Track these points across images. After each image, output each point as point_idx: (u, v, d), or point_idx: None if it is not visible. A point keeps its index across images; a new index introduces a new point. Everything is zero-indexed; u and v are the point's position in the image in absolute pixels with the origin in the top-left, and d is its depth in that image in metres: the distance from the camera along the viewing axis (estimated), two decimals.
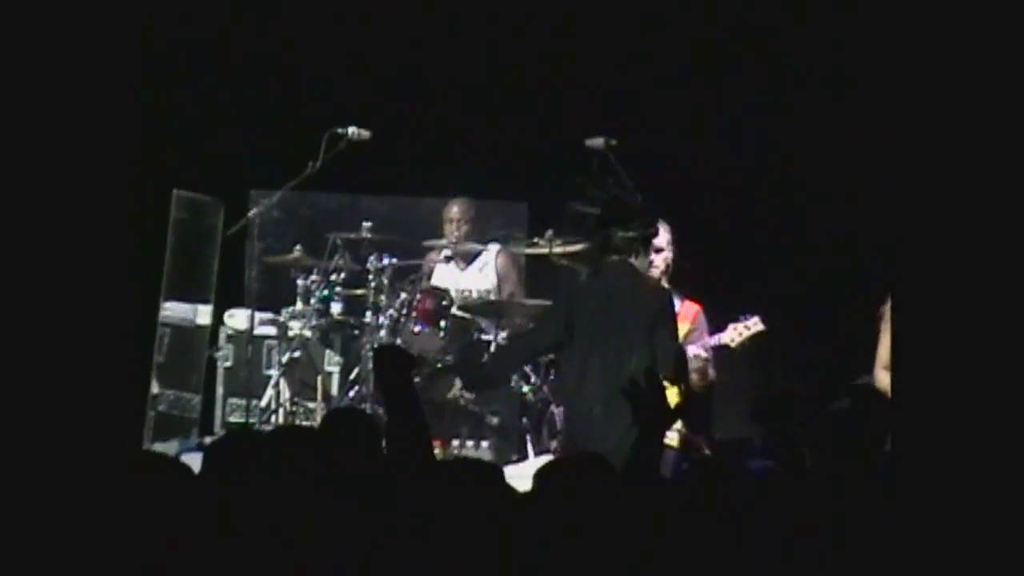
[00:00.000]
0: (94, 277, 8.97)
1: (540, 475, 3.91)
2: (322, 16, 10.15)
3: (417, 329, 9.40)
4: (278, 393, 9.70)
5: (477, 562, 3.61)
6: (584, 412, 7.16)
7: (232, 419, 9.91)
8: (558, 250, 9.46)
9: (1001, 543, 3.94)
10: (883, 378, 7.21)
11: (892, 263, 4.27)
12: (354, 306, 9.84)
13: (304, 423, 9.58)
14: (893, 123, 4.33)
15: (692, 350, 7.95)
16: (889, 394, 5.06)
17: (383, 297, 9.66)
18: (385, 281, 9.65)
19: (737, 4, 10.00)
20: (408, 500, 3.62)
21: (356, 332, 9.83)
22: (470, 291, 9.81)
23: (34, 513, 3.87)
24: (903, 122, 4.25)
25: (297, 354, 9.79)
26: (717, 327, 8.12)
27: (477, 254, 9.95)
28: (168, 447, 9.16)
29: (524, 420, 9.24)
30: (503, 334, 9.45)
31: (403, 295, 9.61)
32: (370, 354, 9.46)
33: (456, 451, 9.17)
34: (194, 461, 4.24)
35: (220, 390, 10.01)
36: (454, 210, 9.93)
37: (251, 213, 9.60)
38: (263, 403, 9.69)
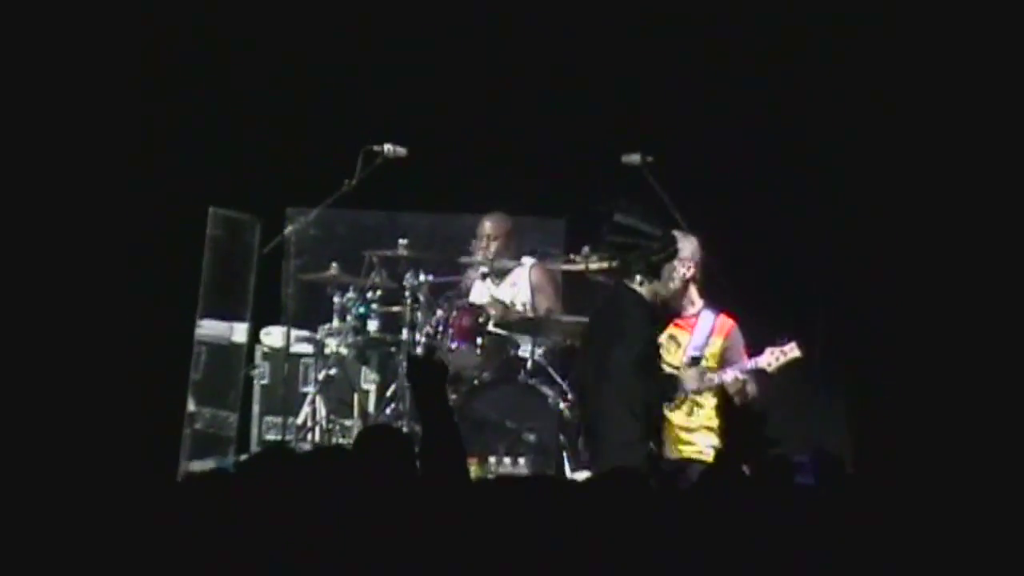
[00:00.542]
0: (131, 295, 9.01)
1: (578, 490, 3.89)
2: (358, 33, 10.15)
3: (454, 346, 9.38)
4: (314, 411, 9.69)
5: None
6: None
7: (268, 437, 9.91)
8: (594, 266, 9.43)
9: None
10: None
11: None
12: (390, 323, 9.83)
13: (340, 441, 9.58)
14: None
15: (731, 373, 8.00)
16: None
17: (419, 314, 9.65)
18: (421, 298, 9.64)
19: (775, 20, 9.95)
20: (441, 517, 3.61)
21: (393, 349, 9.82)
22: (503, 303, 9.76)
23: (71, 527, 3.87)
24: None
25: (333, 372, 9.79)
26: (755, 350, 8.13)
27: (510, 269, 9.93)
28: (204, 465, 9.16)
29: (561, 437, 9.20)
30: (540, 351, 9.43)
31: (440, 312, 9.60)
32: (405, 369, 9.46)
33: (493, 468, 9.14)
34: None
35: (256, 408, 10.00)
36: (487, 226, 9.91)
37: (287, 231, 9.61)
38: (299, 421, 9.68)
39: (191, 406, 9.47)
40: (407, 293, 9.69)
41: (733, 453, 4.44)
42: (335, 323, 9.78)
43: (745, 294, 8.63)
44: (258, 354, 10.02)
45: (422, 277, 9.69)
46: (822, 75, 9.78)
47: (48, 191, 8.60)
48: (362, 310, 9.78)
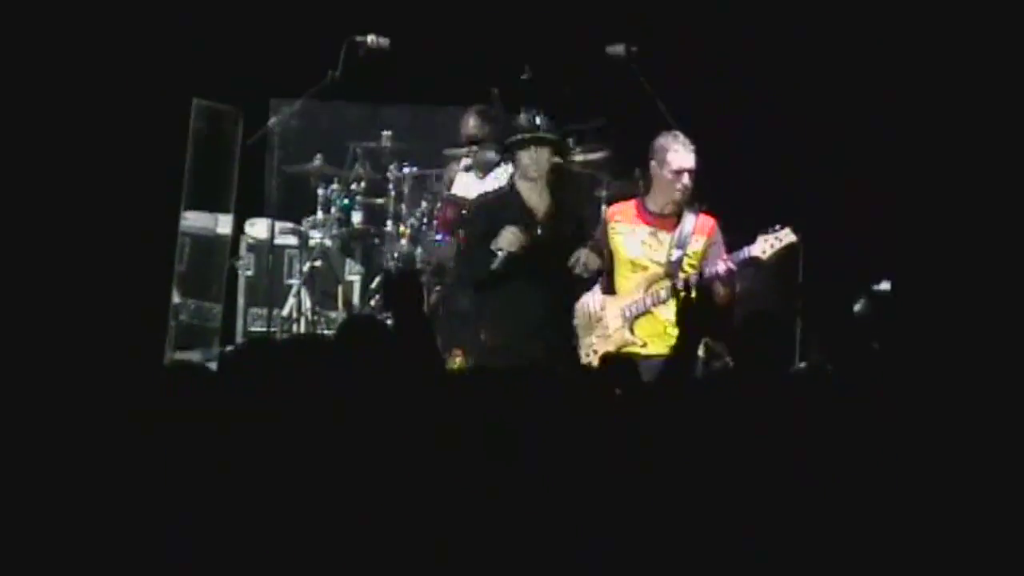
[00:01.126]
0: (114, 186, 8.99)
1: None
2: None
3: (438, 239, 9.39)
4: (299, 303, 9.71)
5: (497, 471, 3.62)
6: None
7: (253, 329, 9.94)
8: (579, 158, 9.43)
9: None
10: None
11: None
12: (375, 215, 9.84)
13: (326, 332, 9.61)
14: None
15: (723, 264, 7.89)
16: None
17: (403, 206, 9.65)
18: (406, 190, 9.64)
19: None
20: (423, 409, 3.64)
21: (377, 241, 9.83)
22: None
23: (57, 418, 3.90)
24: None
25: (318, 263, 9.80)
26: (745, 240, 8.03)
27: (496, 163, 9.91)
28: (190, 357, 9.19)
29: None
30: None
31: (424, 204, 9.59)
32: (390, 263, 9.49)
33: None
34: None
35: (241, 300, 10.03)
36: (472, 121, 9.89)
37: (271, 122, 9.58)
38: (284, 312, 9.71)
39: (176, 298, 9.48)
40: (391, 185, 9.68)
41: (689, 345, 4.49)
42: (319, 215, 9.79)
43: (730, 194, 8.55)
44: (243, 246, 10.02)
45: (406, 169, 9.68)
46: None
47: (33, 84, 8.56)
48: (346, 202, 9.78)
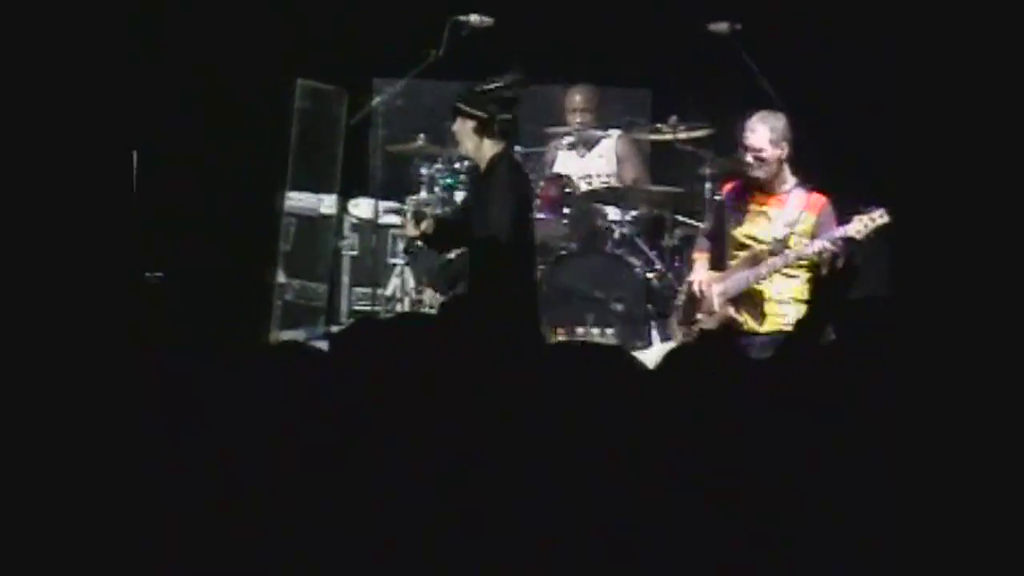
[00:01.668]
0: (220, 168, 9.08)
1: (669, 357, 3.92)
2: None
3: (541, 216, 9.40)
4: (403, 281, 9.76)
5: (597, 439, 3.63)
6: None
7: (358, 307, 10.00)
8: (682, 136, 9.42)
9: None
10: None
11: None
12: None
13: (428, 311, 9.65)
14: None
15: (818, 244, 7.91)
16: None
17: None
18: None
19: None
20: (525, 380, 3.66)
21: None
22: (591, 176, 9.76)
23: (165, 394, 3.95)
24: None
25: (421, 243, 9.83)
26: (844, 219, 8.03)
27: (598, 140, 9.91)
28: (295, 336, 9.27)
29: (649, 307, 9.23)
30: (628, 217, 9.44)
31: None
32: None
33: (581, 338, 9.19)
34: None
35: (345, 279, 10.10)
36: (576, 99, 9.89)
37: (374, 102, 9.62)
38: (388, 292, 9.76)
39: (281, 278, 9.57)
40: None
41: (812, 324, 4.45)
42: (423, 194, 9.82)
43: (835, 173, 8.50)
44: (346, 225, 10.09)
45: None
46: None
47: (140, 68, 8.66)
48: (449, 181, 9.80)
